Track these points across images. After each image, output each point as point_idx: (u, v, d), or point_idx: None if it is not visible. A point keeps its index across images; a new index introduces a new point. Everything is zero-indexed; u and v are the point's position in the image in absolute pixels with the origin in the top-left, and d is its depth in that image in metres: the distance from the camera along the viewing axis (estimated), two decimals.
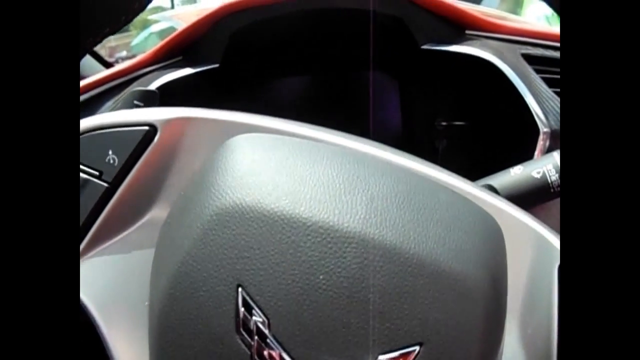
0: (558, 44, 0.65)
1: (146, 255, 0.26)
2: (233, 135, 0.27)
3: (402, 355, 0.21)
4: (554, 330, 0.25)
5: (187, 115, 0.29)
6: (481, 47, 0.60)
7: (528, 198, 0.44)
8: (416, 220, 0.23)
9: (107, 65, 0.68)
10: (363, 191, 0.23)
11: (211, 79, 0.63)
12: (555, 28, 0.82)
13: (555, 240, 0.27)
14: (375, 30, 0.61)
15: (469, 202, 0.26)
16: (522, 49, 0.63)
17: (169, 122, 0.29)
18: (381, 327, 0.21)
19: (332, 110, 0.77)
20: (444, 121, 0.69)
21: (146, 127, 0.28)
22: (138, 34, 3.01)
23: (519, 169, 0.45)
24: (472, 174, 0.66)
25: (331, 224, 0.22)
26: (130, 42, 2.98)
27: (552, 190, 0.44)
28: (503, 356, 0.26)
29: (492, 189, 0.45)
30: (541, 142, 0.55)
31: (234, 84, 0.73)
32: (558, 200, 0.58)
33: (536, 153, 0.56)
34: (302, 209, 0.22)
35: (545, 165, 0.44)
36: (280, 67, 0.75)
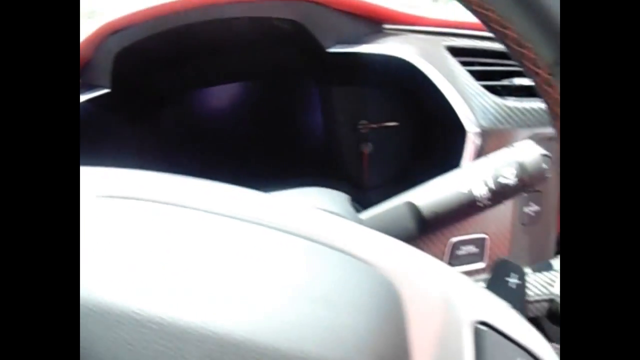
0: (484, 34, 0.61)
1: None
2: None
3: None
4: None
5: None
6: (399, 43, 0.54)
7: (453, 215, 0.40)
8: (280, 302, 0.18)
9: None
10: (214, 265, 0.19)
11: (105, 102, 0.56)
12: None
13: (462, 299, 0.22)
14: (274, 37, 0.55)
15: (360, 272, 0.21)
16: (445, 40, 0.59)
17: None
18: None
19: (249, 120, 0.71)
20: (368, 123, 0.64)
21: None
22: None
23: (443, 182, 0.40)
24: (400, 179, 0.61)
25: (169, 319, 0.17)
26: None
27: (481, 204, 0.39)
28: None
29: (413, 207, 0.40)
30: (470, 144, 0.51)
31: (132, 104, 0.66)
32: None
33: (465, 156, 0.51)
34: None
35: (472, 180, 0.39)
36: (181, 80, 0.68)
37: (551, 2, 0.22)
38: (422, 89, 0.54)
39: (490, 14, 0.25)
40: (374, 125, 0.64)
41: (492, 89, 0.55)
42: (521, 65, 0.27)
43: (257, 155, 0.71)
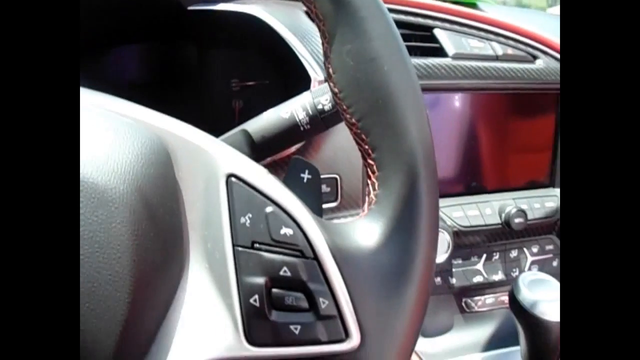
0: None
1: None
2: None
3: None
4: (226, 240, 0.27)
5: None
6: (258, 5, 0.61)
7: (280, 138, 0.46)
8: (86, 147, 0.25)
9: None
10: None
11: None
12: None
13: (219, 158, 0.29)
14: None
15: (132, 128, 0.27)
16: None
17: None
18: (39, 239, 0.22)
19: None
20: (240, 82, 0.70)
21: None
22: None
23: (271, 111, 0.47)
24: None
25: None
26: None
27: (302, 128, 0.46)
28: (190, 268, 0.28)
29: (245, 133, 0.46)
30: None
31: None
32: None
33: None
34: None
35: (293, 106, 0.47)
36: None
37: None
38: (279, 47, 0.60)
39: None
40: (245, 83, 0.70)
41: None
42: None
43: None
